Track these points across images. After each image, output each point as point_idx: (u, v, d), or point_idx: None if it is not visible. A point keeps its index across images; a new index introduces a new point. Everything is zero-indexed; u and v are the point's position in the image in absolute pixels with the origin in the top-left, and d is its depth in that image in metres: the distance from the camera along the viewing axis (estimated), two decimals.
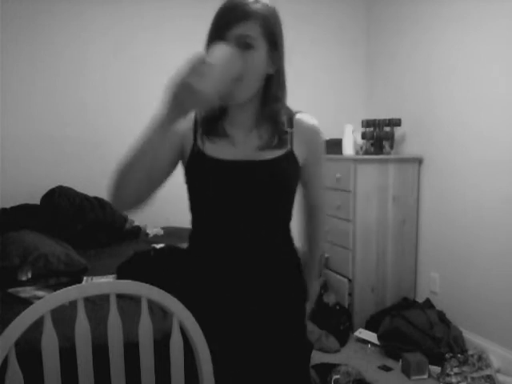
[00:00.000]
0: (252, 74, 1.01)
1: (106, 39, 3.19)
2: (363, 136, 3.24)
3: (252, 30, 0.99)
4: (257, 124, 1.10)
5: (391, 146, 3.20)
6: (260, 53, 1.01)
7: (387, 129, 3.21)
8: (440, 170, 2.99)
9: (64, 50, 3.12)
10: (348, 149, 3.24)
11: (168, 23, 3.29)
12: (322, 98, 3.66)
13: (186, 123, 1.11)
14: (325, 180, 1.30)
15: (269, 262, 1.15)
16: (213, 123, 1.10)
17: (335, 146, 3.32)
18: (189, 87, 0.84)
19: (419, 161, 3.15)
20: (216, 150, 1.09)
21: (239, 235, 1.11)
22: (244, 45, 0.98)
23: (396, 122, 3.17)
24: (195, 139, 1.11)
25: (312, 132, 1.16)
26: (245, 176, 1.08)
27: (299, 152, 1.13)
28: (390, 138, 3.19)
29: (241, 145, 1.10)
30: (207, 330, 1.08)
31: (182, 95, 0.86)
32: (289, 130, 1.12)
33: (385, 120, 3.19)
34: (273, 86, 1.07)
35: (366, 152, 3.23)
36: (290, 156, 1.11)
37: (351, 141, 3.25)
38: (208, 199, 1.11)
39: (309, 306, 1.29)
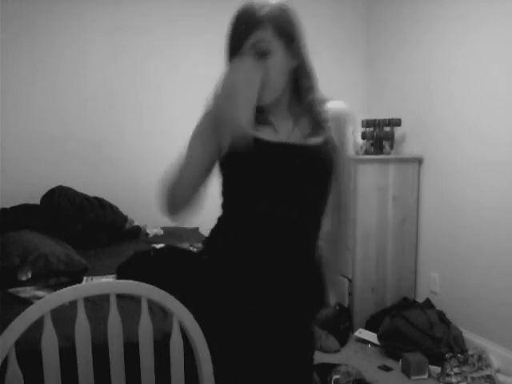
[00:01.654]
0: (274, 78, 1.04)
1: (106, 39, 3.19)
2: (363, 136, 3.24)
3: (265, 36, 1.01)
4: (294, 115, 1.11)
5: (391, 146, 3.20)
6: (277, 55, 1.03)
7: (387, 129, 3.21)
8: (440, 170, 2.99)
9: (64, 50, 3.12)
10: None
11: (168, 23, 3.29)
12: None
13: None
14: (350, 177, 1.27)
15: (305, 261, 1.14)
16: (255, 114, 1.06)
17: None
18: (225, 119, 0.93)
19: (419, 161, 3.15)
20: (262, 133, 1.07)
21: (285, 223, 1.07)
22: (261, 52, 1.01)
23: (396, 122, 3.17)
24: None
25: (337, 119, 1.15)
26: (294, 158, 1.07)
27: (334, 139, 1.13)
28: (390, 138, 3.19)
29: (284, 132, 1.09)
30: (224, 332, 1.10)
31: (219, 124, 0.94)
32: (320, 113, 1.12)
33: (385, 120, 3.19)
34: (300, 78, 1.10)
35: (366, 152, 3.23)
36: (330, 142, 1.11)
37: (351, 141, 3.25)
38: (258, 181, 1.07)
39: (328, 309, 1.27)
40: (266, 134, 1.07)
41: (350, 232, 1.36)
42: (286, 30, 1.05)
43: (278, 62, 1.04)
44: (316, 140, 1.10)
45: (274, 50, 1.02)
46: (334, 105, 1.17)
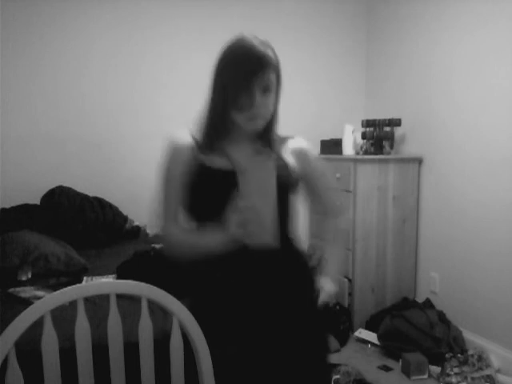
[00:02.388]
0: (269, 112, 1.17)
1: (106, 39, 3.19)
2: (363, 136, 3.24)
3: (271, 76, 1.14)
4: (252, 142, 1.22)
5: (391, 146, 3.20)
6: (273, 96, 1.16)
7: (387, 129, 3.21)
8: (440, 170, 2.99)
9: (64, 50, 3.12)
10: (348, 149, 3.24)
11: (168, 23, 3.29)
12: (321, 98, 3.67)
13: (183, 145, 1.20)
14: (328, 187, 1.42)
15: (277, 262, 1.17)
16: (214, 141, 1.19)
17: (335, 146, 3.32)
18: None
19: (419, 161, 3.15)
20: (213, 161, 1.16)
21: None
22: (266, 89, 1.13)
23: (396, 122, 3.17)
24: (197, 156, 1.18)
25: (300, 151, 1.29)
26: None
27: (290, 161, 1.24)
28: (390, 137, 3.19)
29: (237, 156, 1.18)
30: (220, 332, 1.12)
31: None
32: (276, 142, 1.25)
33: (385, 120, 3.19)
34: (273, 122, 1.22)
35: (366, 152, 3.23)
36: (280, 158, 1.22)
37: (351, 141, 3.25)
38: (214, 205, 1.13)
39: (326, 285, 1.30)
40: (218, 162, 1.16)
41: (342, 230, 1.53)
42: (279, 76, 1.18)
43: (273, 100, 1.17)
44: (265, 159, 1.20)
45: (272, 90, 1.15)
46: (295, 141, 1.31)
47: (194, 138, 1.20)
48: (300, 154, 1.28)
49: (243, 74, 1.10)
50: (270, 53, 1.13)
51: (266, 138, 1.22)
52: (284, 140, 1.28)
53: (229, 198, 1.06)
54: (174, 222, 1.20)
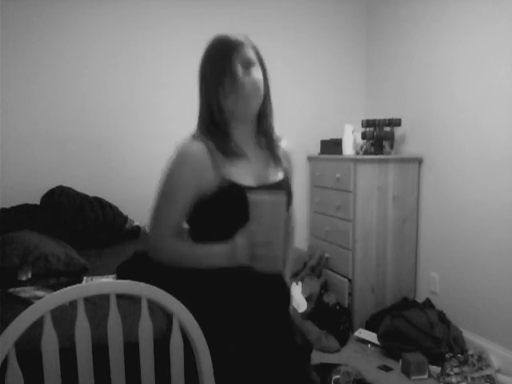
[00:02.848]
0: (260, 86, 1.15)
1: (107, 39, 3.19)
2: (363, 136, 3.24)
3: (249, 51, 1.15)
4: (256, 140, 1.22)
5: (391, 146, 3.20)
6: (259, 70, 1.16)
7: (387, 129, 3.21)
8: (440, 170, 2.99)
9: (64, 50, 3.12)
10: (348, 149, 3.24)
11: (168, 23, 3.29)
12: (321, 98, 3.66)
13: (199, 158, 1.12)
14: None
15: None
16: (227, 143, 1.16)
17: (335, 145, 3.32)
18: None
19: (419, 161, 3.15)
20: (240, 174, 1.14)
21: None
22: (248, 63, 1.13)
23: (396, 122, 3.17)
24: (216, 168, 1.12)
25: (288, 156, 1.30)
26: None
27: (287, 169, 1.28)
28: (390, 137, 3.19)
29: (253, 161, 1.19)
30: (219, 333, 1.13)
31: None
32: (280, 146, 1.26)
33: (385, 120, 3.19)
34: (266, 107, 1.20)
35: (366, 152, 3.23)
36: (287, 174, 1.26)
37: (351, 141, 3.25)
38: (237, 225, 1.07)
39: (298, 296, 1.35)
40: (244, 173, 1.15)
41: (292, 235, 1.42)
42: (261, 59, 1.19)
43: (260, 74, 1.16)
44: (279, 175, 1.23)
45: (256, 65, 1.15)
46: (284, 143, 1.29)
47: (205, 144, 1.14)
48: (288, 158, 1.30)
49: (220, 55, 1.13)
50: (242, 36, 1.16)
51: (266, 131, 1.22)
52: (277, 141, 1.27)
53: (242, 217, 1.01)
54: (171, 232, 1.14)
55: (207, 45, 1.18)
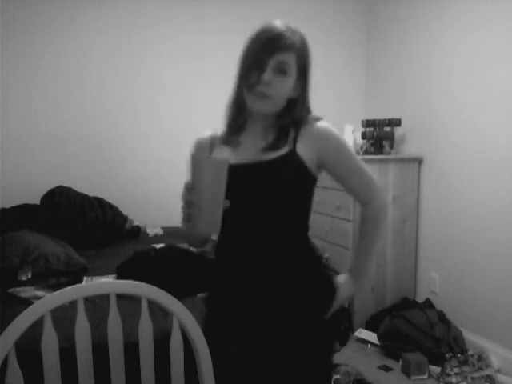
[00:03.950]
0: (280, 96, 1.13)
1: (107, 39, 3.19)
2: (363, 136, 3.24)
3: (290, 60, 1.12)
4: (265, 129, 1.18)
5: (391, 146, 3.20)
6: (290, 80, 1.14)
7: (387, 129, 3.21)
8: (440, 170, 2.99)
9: (64, 50, 3.12)
10: None
11: (168, 23, 3.29)
12: (321, 98, 3.65)
13: (201, 145, 1.24)
14: (366, 175, 1.38)
15: (277, 264, 1.14)
16: (233, 135, 1.19)
17: None
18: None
19: (419, 161, 3.15)
20: (225, 154, 1.16)
21: (246, 238, 1.13)
22: (281, 71, 1.11)
23: (396, 122, 3.17)
24: (210, 151, 1.21)
25: (320, 134, 1.18)
26: (245, 178, 1.13)
27: (305, 153, 1.15)
28: (390, 137, 3.19)
29: (247, 148, 1.17)
30: (222, 333, 1.12)
31: None
32: (292, 130, 1.17)
33: (385, 120, 3.19)
34: (295, 109, 1.18)
35: (366, 152, 3.22)
36: (291, 155, 1.14)
37: (351, 141, 3.25)
38: None
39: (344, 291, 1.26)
40: (227, 155, 1.15)
41: (375, 219, 1.41)
42: (304, 64, 1.17)
43: (289, 85, 1.14)
44: (276, 154, 1.14)
45: (290, 74, 1.13)
46: (317, 123, 1.20)
47: (214, 134, 1.23)
48: (319, 138, 1.18)
49: (256, 50, 1.10)
50: (289, 35, 1.10)
51: (283, 128, 1.17)
52: (308, 123, 1.20)
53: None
54: None
55: (255, 32, 1.13)
